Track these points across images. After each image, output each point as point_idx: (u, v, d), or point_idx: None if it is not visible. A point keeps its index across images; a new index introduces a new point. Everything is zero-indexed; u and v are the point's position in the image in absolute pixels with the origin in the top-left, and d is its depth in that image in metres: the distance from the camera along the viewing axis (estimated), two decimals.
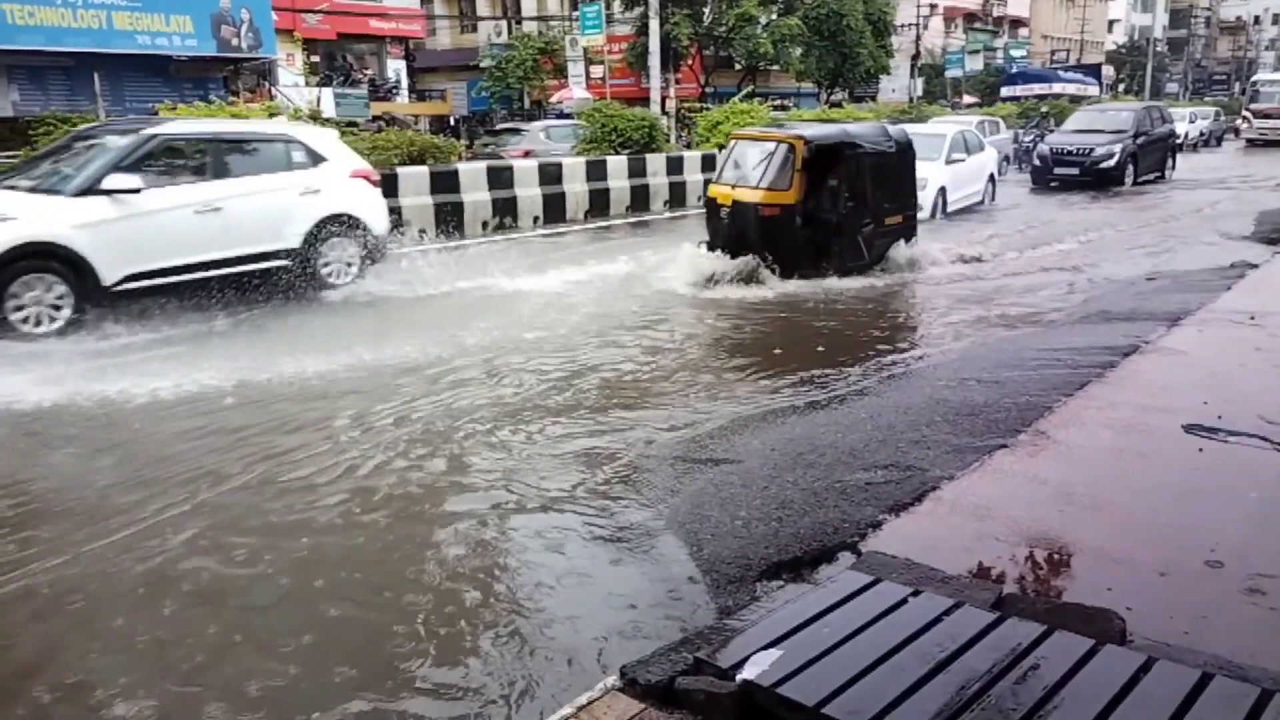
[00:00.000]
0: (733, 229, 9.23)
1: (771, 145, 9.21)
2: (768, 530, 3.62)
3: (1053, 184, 18.99)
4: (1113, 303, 8.04)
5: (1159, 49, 64.52)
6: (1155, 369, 5.60)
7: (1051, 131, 23.37)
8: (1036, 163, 19.54)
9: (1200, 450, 4.23)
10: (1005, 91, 43.79)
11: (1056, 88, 44.12)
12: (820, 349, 6.94)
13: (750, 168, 9.35)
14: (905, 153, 9.92)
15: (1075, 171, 18.68)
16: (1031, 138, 23.37)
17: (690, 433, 4.96)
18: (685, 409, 5.43)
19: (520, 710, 2.73)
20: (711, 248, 9.35)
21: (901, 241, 9.90)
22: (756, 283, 9.01)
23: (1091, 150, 18.57)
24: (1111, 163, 18.40)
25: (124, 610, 3.27)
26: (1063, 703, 2.31)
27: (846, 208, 9.17)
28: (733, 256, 9.14)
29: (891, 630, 2.66)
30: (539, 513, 4.04)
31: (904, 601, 2.83)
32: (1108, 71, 54.49)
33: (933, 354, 6.64)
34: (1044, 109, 29.78)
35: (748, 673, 2.46)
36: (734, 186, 9.34)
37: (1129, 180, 18.71)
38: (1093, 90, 47.72)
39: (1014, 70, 47.50)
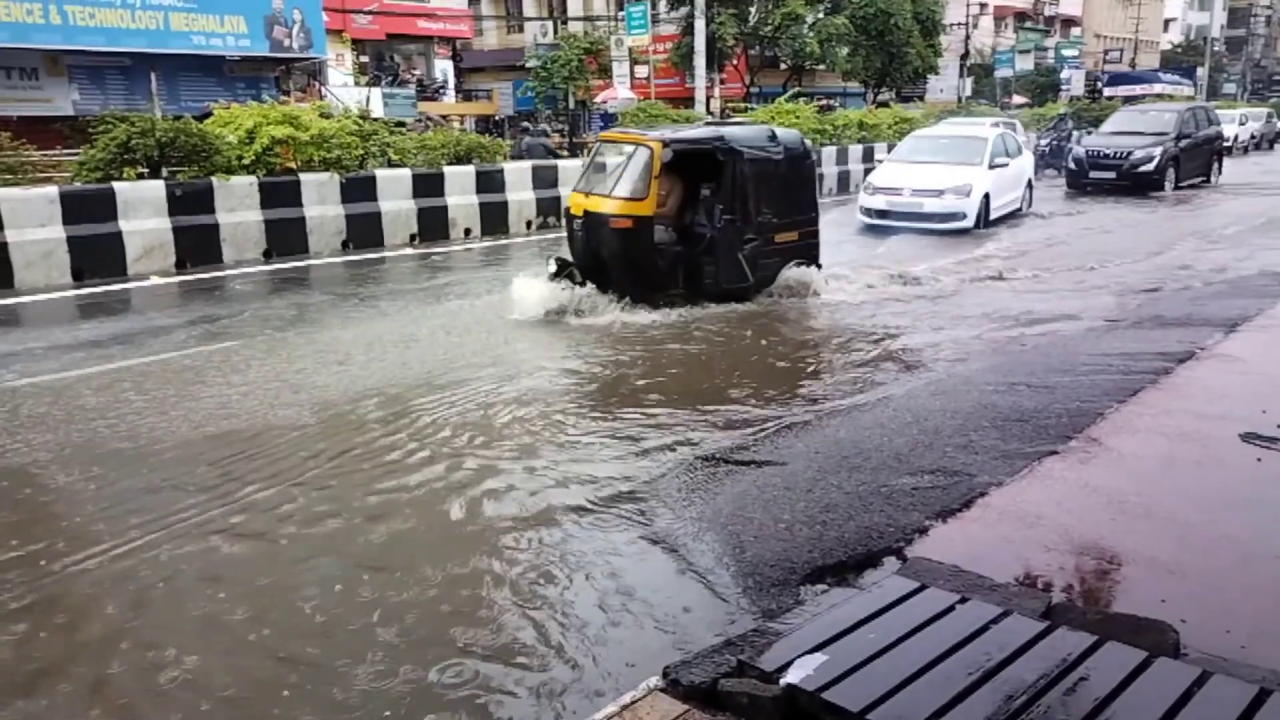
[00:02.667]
0: (586, 244, 8.04)
1: (630, 148, 8.02)
2: (811, 533, 3.59)
3: (1088, 188, 18.36)
4: (1168, 307, 7.87)
5: (1216, 49, 63.06)
6: (1211, 376, 5.47)
7: (1070, 135, 22.58)
8: (1072, 165, 18.94)
9: (1258, 460, 4.12)
10: (1108, 91, 44.14)
11: (1157, 88, 44.28)
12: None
13: (607, 174, 8.21)
14: (798, 161, 8.60)
15: (1112, 175, 18.01)
16: (1048, 141, 22.55)
17: None
18: None
19: (563, 708, 2.73)
20: (558, 272, 7.90)
21: (798, 263, 8.61)
22: (611, 308, 7.79)
23: (1130, 153, 17.90)
24: (1150, 166, 17.71)
25: None
26: (1114, 716, 2.27)
27: (722, 221, 7.99)
28: (584, 277, 7.90)
29: (938, 637, 2.63)
30: (575, 514, 4.06)
31: (951, 609, 2.80)
32: (1200, 73, 54.07)
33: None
34: (1063, 110, 28.65)
35: (792, 676, 2.44)
36: (588, 195, 8.11)
37: (1169, 185, 17.98)
38: (1187, 90, 47.87)
39: (1100, 71, 48.01)
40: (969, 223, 13.12)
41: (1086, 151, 18.67)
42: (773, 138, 8.47)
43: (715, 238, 8.03)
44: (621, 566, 3.54)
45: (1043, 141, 22.59)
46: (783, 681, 2.44)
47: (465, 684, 2.85)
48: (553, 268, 7.97)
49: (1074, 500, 3.77)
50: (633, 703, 2.51)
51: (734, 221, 8.06)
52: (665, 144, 7.72)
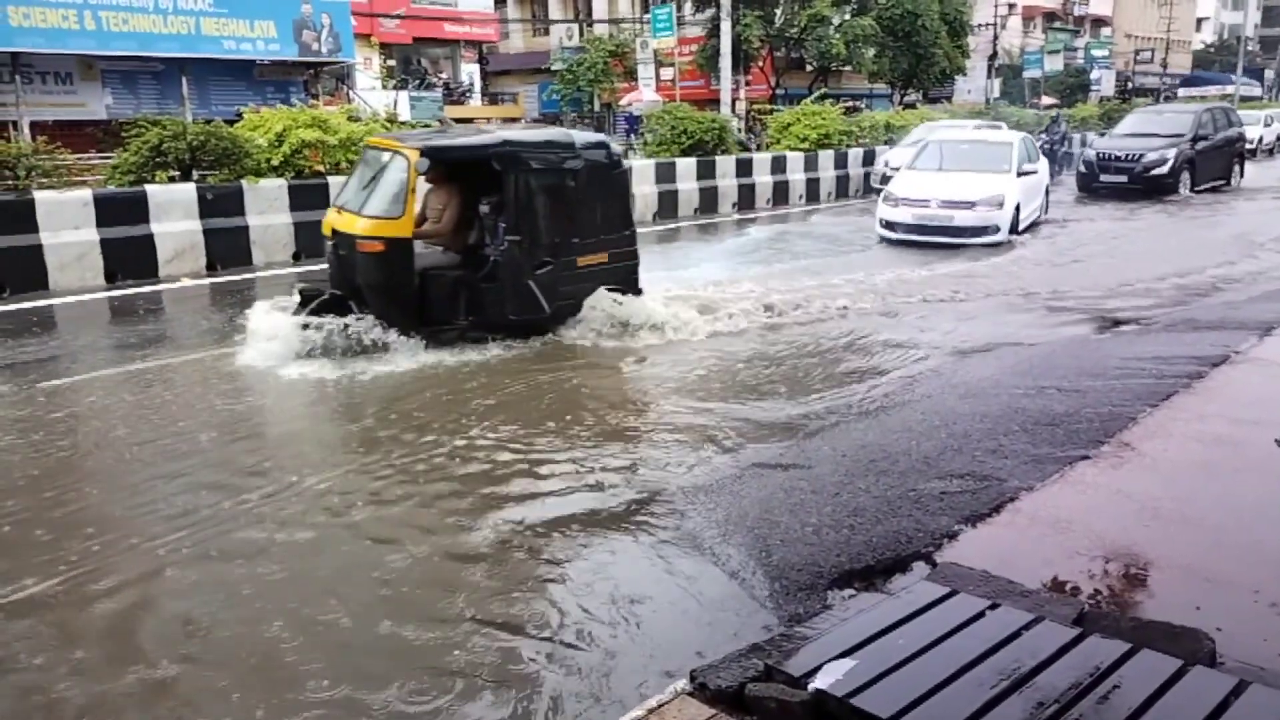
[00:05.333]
0: (340, 270, 6.86)
1: (386, 156, 6.81)
2: (839, 538, 3.57)
3: (1100, 192, 17.88)
4: (1201, 311, 7.76)
5: (1250, 48, 62.17)
6: (1247, 380, 5.39)
7: (1063, 138, 22.05)
8: (1082, 169, 18.52)
9: None
10: (1183, 92, 46.37)
11: (1230, 89, 45.46)
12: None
13: (361, 187, 6.90)
14: (603, 171, 7.38)
15: (1124, 179, 17.49)
16: (1040, 144, 22.07)
17: None
18: None
19: (589, 712, 2.73)
20: (304, 304, 6.76)
21: (610, 290, 7.39)
22: (367, 350, 6.57)
23: (1142, 156, 17.35)
24: (1164, 169, 17.14)
25: None
26: None
27: (506, 242, 6.84)
28: (339, 310, 6.66)
29: (968, 644, 2.60)
30: (601, 521, 4.06)
31: (981, 615, 2.76)
32: (1269, 75, 54.30)
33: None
34: (1055, 113, 27.62)
35: (820, 682, 2.42)
36: (340, 211, 6.90)
37: (1184, 189, 17.38)
38: (1256, 91, 48.70)
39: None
40: (1002, 236, 12.21)
41: (1097, 154, 18.19)
42: (568, 144, 7.31)
43: (500, 261, 6.88)
44: (647, 571, 3.54)
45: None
46: (811, 687, 2.42)
47: (490, 687, 2.86)
48: (298, 298, 6.89)
49: (1106, 505, 3.72)
50: (659, 706, 2.50)
51: (521, 242, 6.90)
52: (422, 152, 6.54)
